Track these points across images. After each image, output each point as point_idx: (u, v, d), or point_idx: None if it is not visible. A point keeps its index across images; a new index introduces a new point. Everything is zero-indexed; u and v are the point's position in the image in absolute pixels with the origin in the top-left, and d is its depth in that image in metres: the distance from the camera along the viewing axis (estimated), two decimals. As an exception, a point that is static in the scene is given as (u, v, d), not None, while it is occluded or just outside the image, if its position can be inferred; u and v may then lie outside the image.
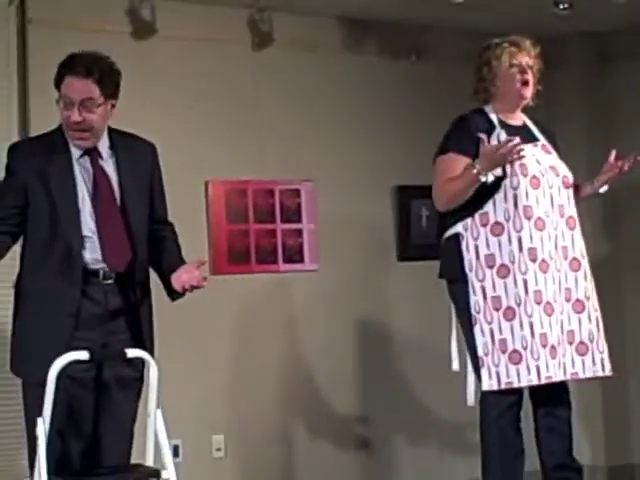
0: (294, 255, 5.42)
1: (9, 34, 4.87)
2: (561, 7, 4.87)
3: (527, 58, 4.17)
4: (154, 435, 3.48)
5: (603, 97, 6.01)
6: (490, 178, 3.97)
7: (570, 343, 4.06)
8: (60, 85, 3.55)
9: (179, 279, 3.61)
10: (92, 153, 3.58)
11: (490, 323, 4.02)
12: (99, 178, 3.57)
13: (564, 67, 5.60)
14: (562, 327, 4.04)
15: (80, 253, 3.50)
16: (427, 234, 5.73)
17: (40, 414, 3.31)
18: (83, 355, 3.35)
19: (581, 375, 4.10)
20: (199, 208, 5.20)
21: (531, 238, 4.00)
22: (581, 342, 4.08)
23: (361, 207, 5.59)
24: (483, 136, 3.98)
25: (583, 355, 4.08)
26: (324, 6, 5.32)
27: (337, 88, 5.57)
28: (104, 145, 3.62)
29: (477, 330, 4.04)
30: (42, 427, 3.30)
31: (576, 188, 4.22)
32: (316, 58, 5.50)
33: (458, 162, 4.07)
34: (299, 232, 5.44)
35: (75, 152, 3.56)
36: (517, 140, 3.93)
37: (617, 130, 5.99)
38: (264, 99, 5.38)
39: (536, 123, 4.28)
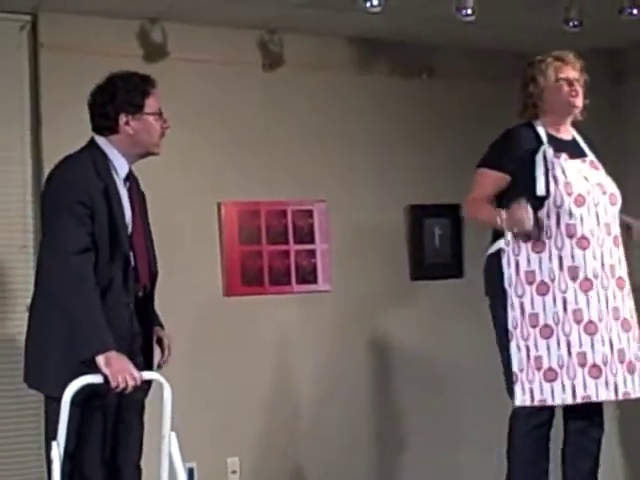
0: (307, 276, 5.41)
1: (21, 58, 4.91)
2: (571, 25, 4.86)
3: (573, 72, 4.15)
4: (168, 458, 3.46)
5: (616, 113, 6.00)
6: (509, 237, 3.98)
7: (621, 362, 4.00)
8: (144, 104, 3.64)
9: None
10: (131, 175, 3.70)
11: (526, 339, 3.99)
12: (136, 201, 3.69)
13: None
14: (612, 346, 3.99)
15: (134, 272, 3.60)
16: (440, 253, 5.72)
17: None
18: (97, 379, 3.34)
19: (632, 395, 4.04)
20: (212, 230, 5.20)
21: (572, 257, 3.97)
22: (630, 361, 4.03)
23: (374, 227, 5.58)
24: (523, 202, 3.93)
25: (632, 374, 4.03)
26: (334, 27, 5.33)
27: (348, 108, 5.57)
28: None
29: (513, 345, 4.01)
30: (56, 451, 3.29)
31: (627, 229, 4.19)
32: (327, 78, 5.50)
33: (493, 178, 4.08)
34: (312, 253, 5.43)
35: (121, 173, 3.63)
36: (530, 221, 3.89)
37: (631, 147, 5.97)
38: (275, 120, 5.38)
39: (585, 138, 4.24)
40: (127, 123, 3.62)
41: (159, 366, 3.76)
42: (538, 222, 3.95)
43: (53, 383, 3.42)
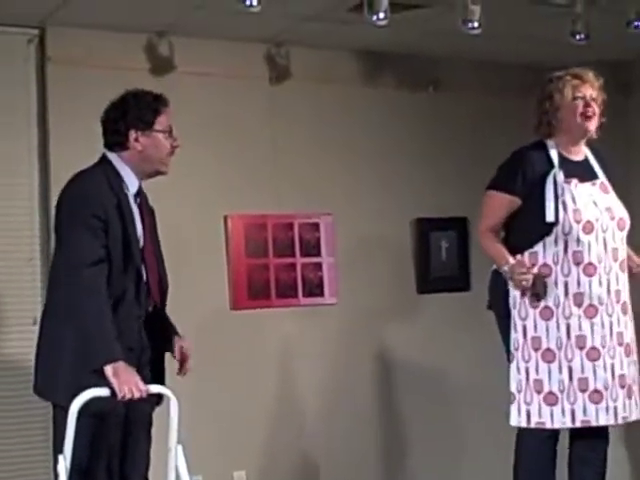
0: (314, 289, 5.41)
1: (28, 72, 4.92)
2: (577, 38, 4.86)
3: (591, 90, 4.09)
4: (175, 471, 3.46)
5: (622, 126, 5.99)
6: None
7: (622, 387, 4.00)
8: (154, 122, 3.67)
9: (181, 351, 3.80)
10: (141, 191, 3.73)
11: (527, 362, 3.98)
12: (146, 216, 3.72)
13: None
14: (613, 372, 3.98)
15: (151, 287, 3.64)
16: (447, 266, 5.71)
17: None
18: (104, 392, 3.34)
19: (630, 419, 4.05)
20: (218, 243, 5.20)
21: (578, 283, 3.95)
22: (629, 385, 4.03)
23: (380, 240, 5.58)
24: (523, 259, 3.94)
25: (630, 398, 4.03)
26: (341, 40, 5.34)
27: (355, 121, 5.57)
28: None
29: (513, 366, 4.01)
30: (63, 464, 3.29)
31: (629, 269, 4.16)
32: (333, 91, 5.51)
33: (503, 201, 4.05)
34: (319, 266, 5.43)
35: (132, 190, 3.67)
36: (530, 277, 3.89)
37: (637, 159, 5.97)
38: (282, 133, 5.39)
39: (598, 157, 4.20)
40: (137, 139, 3.66)
41: (182, 372, 3.78)
42: (543, 284, 3.95)
43: (63, 393, 3.43)
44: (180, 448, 3.48)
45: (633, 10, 4.78)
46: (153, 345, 3.69)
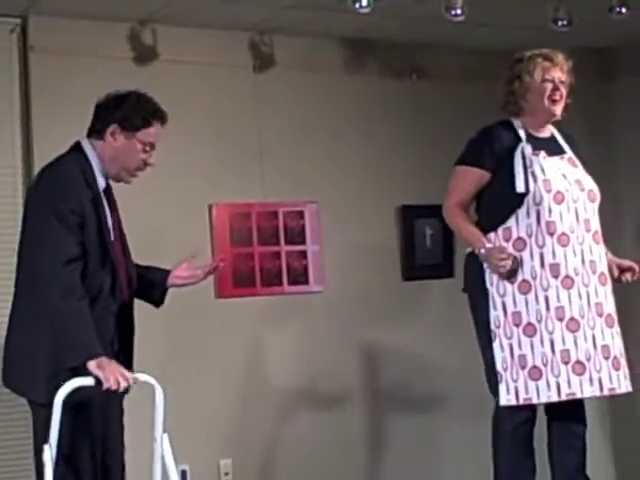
0: (299, 277, 5.41)
1: (11, 61, 4.90)
2: (560, 24, 4.87)
3: (560, 73, 4.11)
4: (161, 460, 3.46)
5: (605, 112, 6.02)
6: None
7: (606, 358, 4.00)
8: (140, 129, 3.61)
9: (180, 277, 3.87)
10: (109, 185, 3.69)
11: (510, 338, 3.99)
12: (114, 211, 3.68)
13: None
14: (595, 342, 3.98)
15: (121, 282, 3.61)
16: (432, 253, 5.72)
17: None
18: (89, 381, 3.34)
19: (618, 390, 4.04)
20: (203, 232, 5.20)
21: (554, 254, 3.97)
22: (615, 357, 4.03)
23: (365, 227, 5.58)
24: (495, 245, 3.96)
25: (617, 370, 4.03)
26: (324, 27, 5.33)
27: (339, 109, 5.57)
28: None
29: (496, 345, 4.01)
30: (49, 454, 3.28)
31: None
32: (317, 79, 5.50)
33: (473, 175, 4.07)
34: (303, 254, 5.43)
35: (101, 184, 3.62)
36: (509, 262, 3.91)
37: (620, 145, 5.99)
38: (266, 121, 5.38)
39: (563, 134, 4.23)
40: (113, 134, 3.61)
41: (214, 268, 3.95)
42: (517, 263, 3.96)
43: (42, 389, 3.42)
44: (166, 437, 3.48)
45: (615, -4, 4.80)
46: (122, 336, 3.67)
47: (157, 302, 3.88)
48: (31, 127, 4.88)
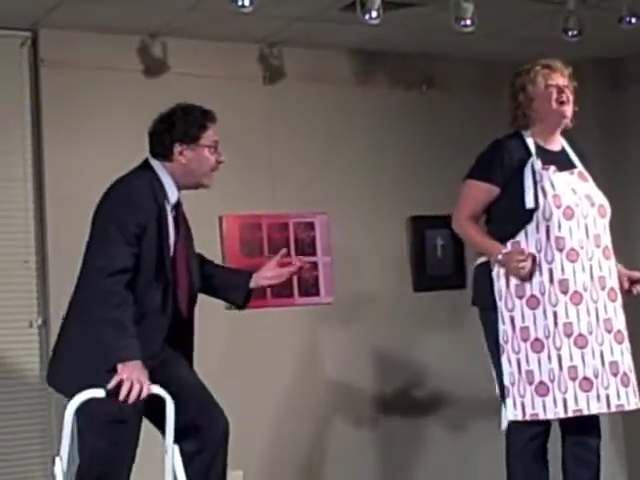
0: (310, 288, 5.41)
1: (22, 74, 4.92)
2: (570, 34, 4.87)
3: (561, 78, 4.09)
4: (172, 471, 3.46)
5: (615, 122, 6.00)
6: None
7: (615, 374, 3.96)
8: (201, 137, 3.72)
9: (265, 277, 3.98)
10: (179, 202, 3.77)
11: (517, 353, 3.97)
12: (181, 226, 3.75)
13: (576, 94, 5.62)
14: (603, 358, 3.95)
15: (180, 298, 3.69)
16: (443, 264, 5.72)
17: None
18: (99, 393, 3.34)
19: (627, 407, 4.00)
20: (214, 243, 5.20)
21: (562, 270, 3.94)
22: (624, 373, 3.99)
23: (376, 238, 5.58)
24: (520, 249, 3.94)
25: (626, 386, 3.98)
26: (334, 39, 5.34)
27: (349, 120, 5.58)
28: None
29: (504, 359, 3.99)
30: (60, 465, 3.29)
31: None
32: (327, 91, 5.51)
33: (482, 190, 4.05)
34: (314, 265, 5.43)
35: (172, 199, 3.71)
36: (528, 265, 3.90)
37: (630, 155, 5.98)
38: (276, 133, 5.39)
39: (574, 146, 4.20)
40: (181, 153, 3.70)
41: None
42: (536, 263, 3.94)
43: (76, 389, 3.43)
44: (177, 448, 3.48)
45: (625, 6, 4.79)
46: (180, 351, 3.75)
47: (240, 304, 4.02)
48: (42, 140, 4.89)
